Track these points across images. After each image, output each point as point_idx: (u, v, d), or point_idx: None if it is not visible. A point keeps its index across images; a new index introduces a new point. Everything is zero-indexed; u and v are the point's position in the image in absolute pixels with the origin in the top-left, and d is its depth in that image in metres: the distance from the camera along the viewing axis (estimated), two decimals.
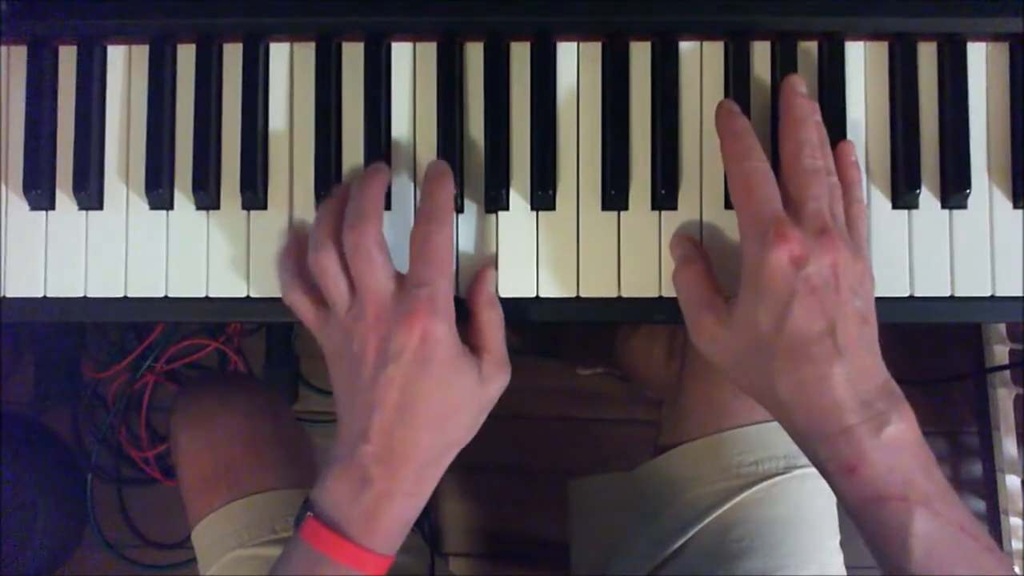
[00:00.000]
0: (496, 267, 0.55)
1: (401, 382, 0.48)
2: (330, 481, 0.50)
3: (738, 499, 0.68)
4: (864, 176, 0.55)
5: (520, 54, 0.56)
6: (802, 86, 0.53)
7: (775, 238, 0.47)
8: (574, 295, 0.55)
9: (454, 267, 0.54)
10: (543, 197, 0.55)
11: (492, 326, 0.52)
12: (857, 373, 0.47)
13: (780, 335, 0.47)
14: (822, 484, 0.50)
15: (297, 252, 0.54)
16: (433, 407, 0.49)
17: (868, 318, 0.49)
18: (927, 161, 0.55)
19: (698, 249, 0.53)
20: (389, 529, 0.50)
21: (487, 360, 0.51)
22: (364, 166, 0.55)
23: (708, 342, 0.51)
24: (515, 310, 0.55)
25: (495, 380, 0.51)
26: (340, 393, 0.52)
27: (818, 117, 0.52)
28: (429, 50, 0.56)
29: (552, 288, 0.55)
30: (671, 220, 0.55)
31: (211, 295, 0.56)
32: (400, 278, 0.50)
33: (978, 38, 0.56)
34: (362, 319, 0.49)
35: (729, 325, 0.49)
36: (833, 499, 0.65)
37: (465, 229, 0.56)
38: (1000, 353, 1.16)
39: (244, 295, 0.56)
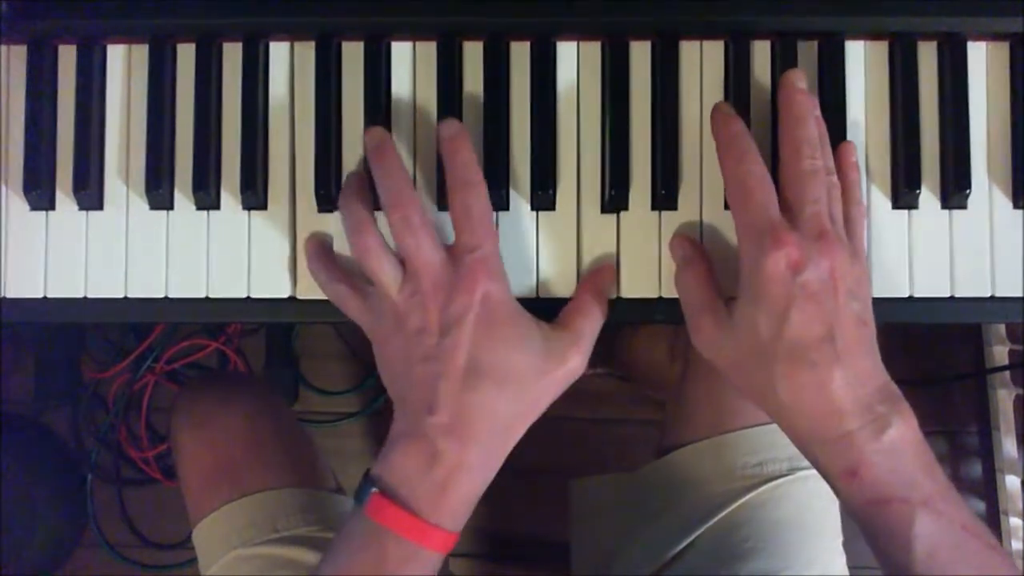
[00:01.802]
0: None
1: (467, 345, 0.48)
2: (396, 456, 0.49)
3: (742, 501, 0.68)
4: (864, 176, 0.55)
5: (520, 54, 0.56)
6: (802, 81, 0.52)
7: (771, 243, 0.47)
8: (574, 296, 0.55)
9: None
10: (543, 197, 0.55)
11: (588, 314, 0.52)
12: (856, 377, 0.47)
13: (779, 341, 0.47)
14: (824, 486, 0.50)
15: (323, 250, 0.54)
16: (500, 369, 0.48)
17: (867, 321, 0.49)
18: (927, 161, 0.55)
19: (699, 250, 0.53)
20: (458, 505, 0.49)
21: (563, 335, 0.50)
22: (364, 167, 0.55)
23: (708, 345, 0.51)
24: None
25: (565, 360, 0.50)
26: (396, 373, 0.50)
27: (818, 112, 0.52)
28: (429, 50, 0.56)
29: (552, 289, 0.55)
30: (671, 220, 0.55)
31: (211, 295, 0.56)
32: (448, 248, 0.50)
33: (978, 38, 0.56)
34: (418, 293, 0.48)
35: (729, 329, 0.49)
36: (836, 500, 0.65)
37: None
38: (1000, 353, 1.16)
39: (244, 295, 0.56)
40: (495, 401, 0.48)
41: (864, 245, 0.53)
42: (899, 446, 0.46)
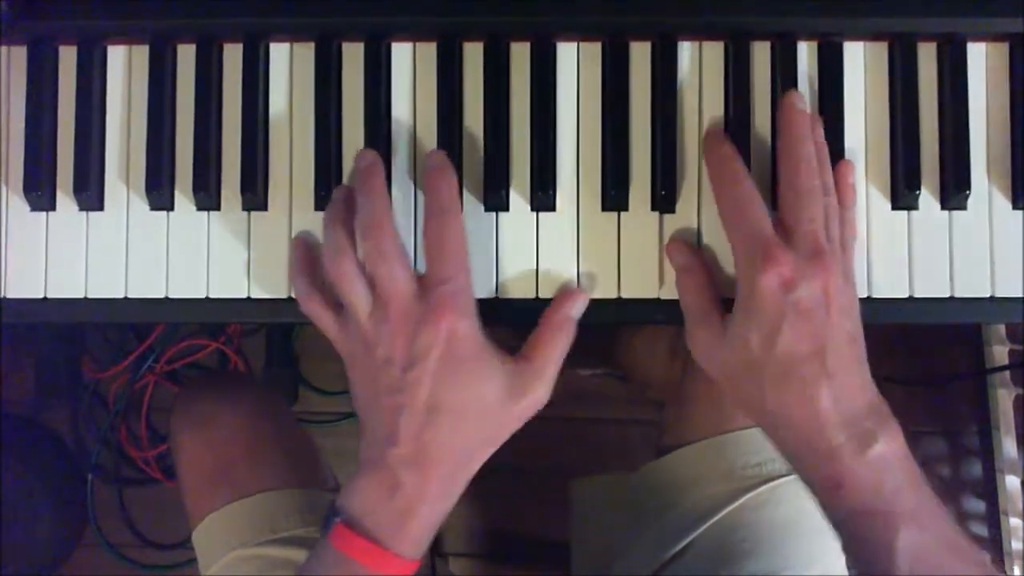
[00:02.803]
0: (495, 268, 0.55)
1: (429, 381, 0.48)
2: (359, 486, 0.50)
3: (741, 501, 0.68)
4: (864, 177, 0.55)
5: (520, 54, 0.56)
6: (801, 101, 0.53)
7: (765, 262, 0.47)
8: None
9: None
10: (543, 197, 0.55)
11: (551, 345, 0.51)
12: (844, 393, 0.48)
13: (770, 356, 0.48)
14: None
15: (308, 261, 0.54)
16: (461, 405, 0.49)
17: (857, 339, 0.49)
18: (927, 162, 0.55)
19: (697, 257, 0.53)
20: (418, 533, 0.50)
21: (525, 369, 0.50)
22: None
23: (703, 354, 0.52)
24: (515, 311, 0.55)
25: (528, 392, 0.50)
26: (364, 399, 0.51)
27: (820, 134, 0.52)
28: (429, 50, 0.56)
29: (552, 289, 0.55)
30: (671, 220, 0.55)
31: (211, 296, 0.56)
32: (420, 278, 0.50)
33: (978, 38, 0.56)
34: (385, 322, 0.48)
35: (723, 341, 0.50)
36: None
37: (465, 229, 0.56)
38: (1000, 353, 1.16)
39: (244, 295, 0.56)
40: (456, 435, 0.49)
41: (854, 267, 0.53)
42: (884, 461, 0.47)
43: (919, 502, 0.47)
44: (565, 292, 0.53)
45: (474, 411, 0.49)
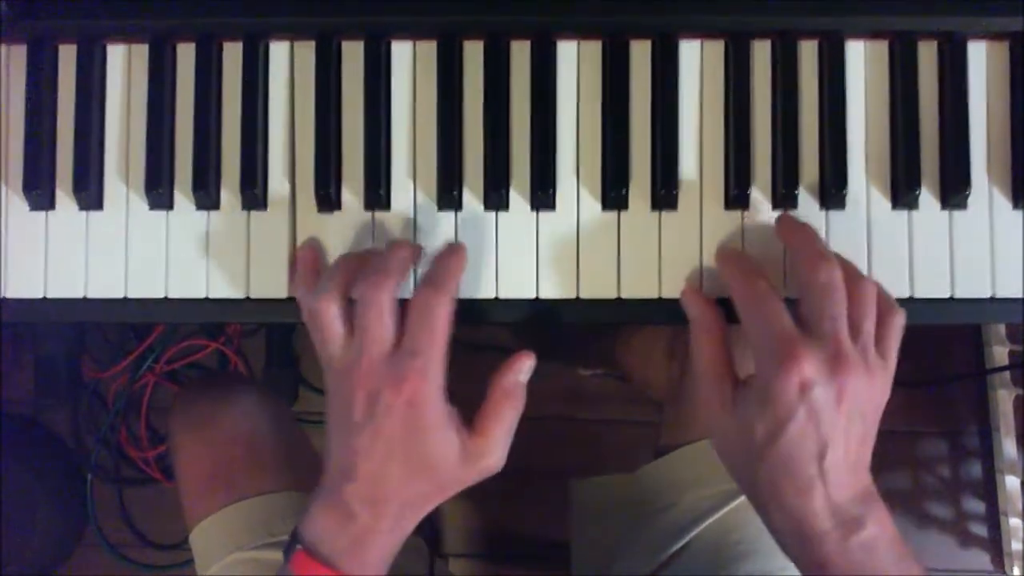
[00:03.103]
0: (493, 271, 0.55)
1: (386, 438, 0.49)
2: (316, 513, 0.51)
3: (738, 501, 0.68)
4: (864, 176, 0.55)
5: (520, 54, 0.56)
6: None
7: (787, 359, 0.47)
8: (574, 296, 0.55)
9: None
10: (543, 197, 0.55)
11: (499, 416, 0.52)
12: (836, 489, 0.48)
13: (770, 447, 0.48)
14: None
15: (309, 272, 0.54)
16: (415, 464, 0.50)
17: (867, 439, 0.49)
18: (927, 161, 0.55)
19: (714, 313, 0.53)
20: (374, 560, 0.51)
21: (477, 442, 0.51)
22: (364, 165, 0.55)
23: (708, 418, 0.52)
24: (515, 311, 0.55)
25: (476, 462, 0.51)
26: (331, 420, 0.52)
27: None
28: (429, 50, 0.56)
29: (552, 289, 0.55)
30: (671, 220, 0.55)
31: (211, 296, 0.56)
32: (398, 336, 0.50)
33: (978, 37, 0.56)
34: (356, 367, 0.49)
35: (730, 416, 0.50)
36: None
37: (465, 229, 0.56)
38: (1000, 354, 1.16)
39: (244, 296, 0.56)
40: (408, 485, 0.50)
41: (893, 355, 0.50)
42: (870, 545, 0.47)
43: None
44: (512, 359, 0.53)
45: (428, 469, 0.50)
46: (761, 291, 0.50)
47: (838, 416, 0.47)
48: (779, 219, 0.54)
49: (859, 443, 0.48)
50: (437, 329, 0.49)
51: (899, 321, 0.51)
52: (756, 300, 0.50)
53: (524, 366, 0.53)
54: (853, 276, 0.50)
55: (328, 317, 0.50)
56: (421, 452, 0.50)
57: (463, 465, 0.51)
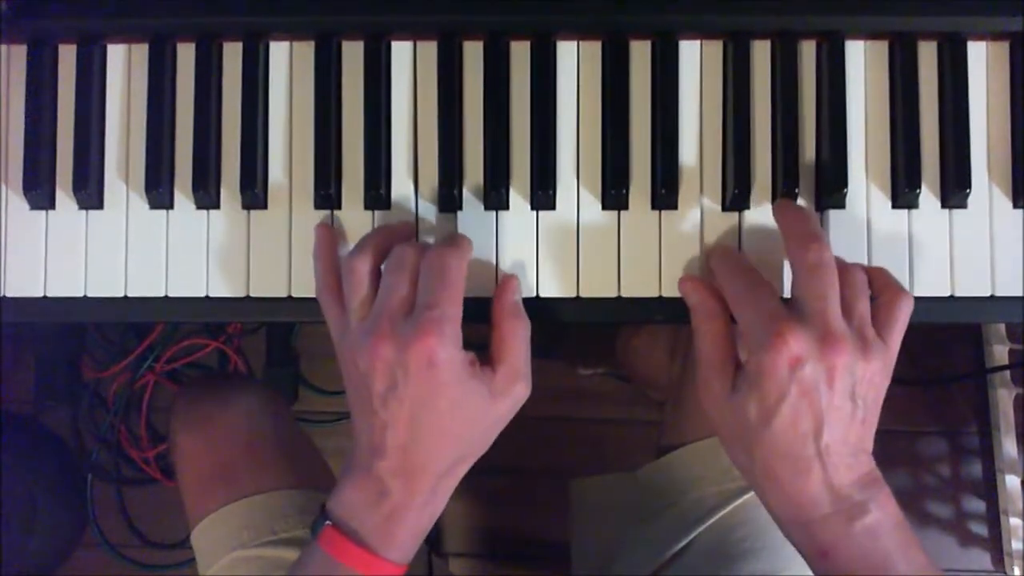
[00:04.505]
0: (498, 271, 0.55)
1: (410, 403, 0.48)
2: (347, 490, 0.50)
3: (741, 500, 0.68)
4: (864, 175, 0.55)
5: (520, 54, 0.56)
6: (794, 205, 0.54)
7: (774, 340, 0.47)
8: (574, 295, 0.55)
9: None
10: (543, 197, 0.55)
11: (513, 338, 0.51)
12: (836, 470, 0.47)
13: (765, 430, 0.48)
14: None
15: (328, 247, 0.54)
16: (444, 425, 0.49)
17: (866, 419, 0.48)
18: (927, 161, 0.55)
19: (714, 298, 0.53)
20: (405, 538, 0.50)
21: (501, 373, 0.50)
22: (364, 165, 0.55)
23: (709, 405, 0.52)
24: None
25: (508, 394, 0.50)
26: (353, 403, 0.51)
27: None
28: (429, 49, 0.56)
29: (552, 288, 0.55)
30: (671, 220, 0.55)
31: (211, 295, 0.56)
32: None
33: (978, 37, 0.56)
34: (371, 335, 0.48)
35: (729, 400, 0.50)
36: None
37: (464, 229, 0.56)
38: (1000, 353, 1.16)
39: (244, 295, 0.56)
40: (440, 451, 0.49)
41: (896, 339, 0.50)
42: (873, 530, 0.47)
43: (910, 568, 0.47)
44: (502, 282, 0.54)
45: (457, 427, 0.49)
46: (749, 279, 0.50)
47: (832, 394, 0.47)
48: (777, 204, 0.54)
49: (858, 425, 0.48)
50: (452, 284, 0.49)
51: (905, 304, 0.50)
52: (744, 287, 0.50)
53: (513, 285, 0.53)
54: (846, 262, 0.50)
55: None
56: (447, 413, 0.49)
57: (495, 404, 0.50)
